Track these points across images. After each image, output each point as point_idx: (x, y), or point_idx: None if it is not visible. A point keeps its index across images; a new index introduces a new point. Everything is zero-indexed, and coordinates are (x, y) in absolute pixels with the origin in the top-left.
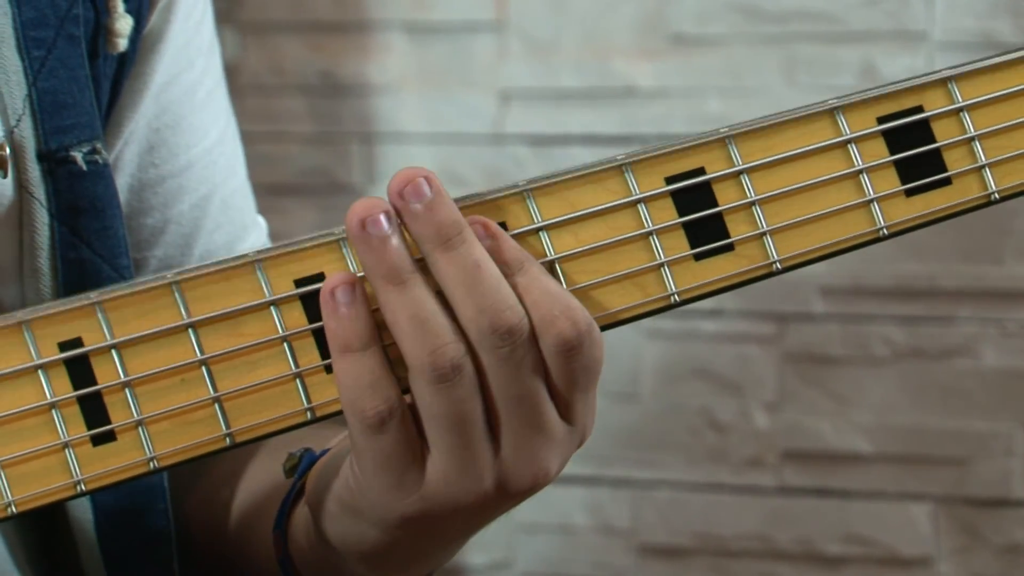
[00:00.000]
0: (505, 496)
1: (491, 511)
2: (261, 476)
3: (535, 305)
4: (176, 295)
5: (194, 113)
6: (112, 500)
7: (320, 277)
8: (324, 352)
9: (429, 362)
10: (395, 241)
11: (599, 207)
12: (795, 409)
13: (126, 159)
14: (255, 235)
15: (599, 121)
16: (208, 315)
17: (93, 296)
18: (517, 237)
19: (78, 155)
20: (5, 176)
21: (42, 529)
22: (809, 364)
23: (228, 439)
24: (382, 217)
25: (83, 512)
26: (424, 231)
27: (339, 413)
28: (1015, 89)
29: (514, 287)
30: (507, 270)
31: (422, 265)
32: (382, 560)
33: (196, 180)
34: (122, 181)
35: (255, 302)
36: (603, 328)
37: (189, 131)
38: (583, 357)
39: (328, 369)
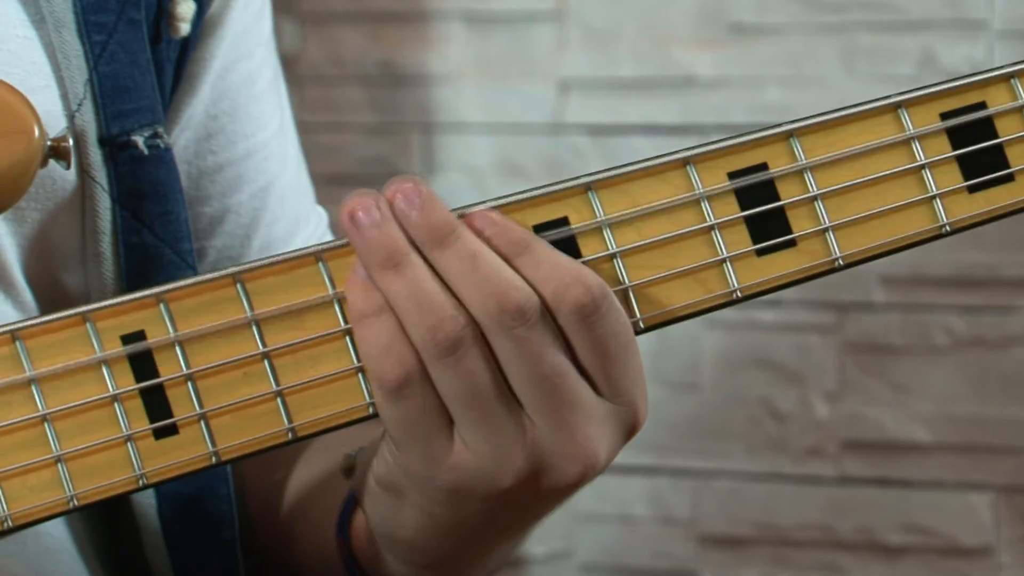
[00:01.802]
0: (553, 483)
1: (539, 498)
2: (317, 466)
3: (545, 280)
4: (239, 288)
5: (253, 102)
6: (175, 485)
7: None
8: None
9: (430, 338)
10: (387, 227)
11: (662, 202)
12: (855, 399)
13: (183, 144)
14: (314, 225)
15: (658, 111)
16: (271, 311)
17: (156, 289)
18: (580, 233)
19: (139, 139)
20: (68, 167)
21: (104, 514)
22: (869, 354)
23: (290, 433)
24: (372, 206)
25: (146, 497)
26: (419, 234)
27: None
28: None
29: (522, 268)
30: (513, 252)
31: None
32: (428, 552)
33: (255, 170)
34: (180, 168)
35: (318, 296)
36: (665, 324)
37: (247, 120)
38: (605, 323)
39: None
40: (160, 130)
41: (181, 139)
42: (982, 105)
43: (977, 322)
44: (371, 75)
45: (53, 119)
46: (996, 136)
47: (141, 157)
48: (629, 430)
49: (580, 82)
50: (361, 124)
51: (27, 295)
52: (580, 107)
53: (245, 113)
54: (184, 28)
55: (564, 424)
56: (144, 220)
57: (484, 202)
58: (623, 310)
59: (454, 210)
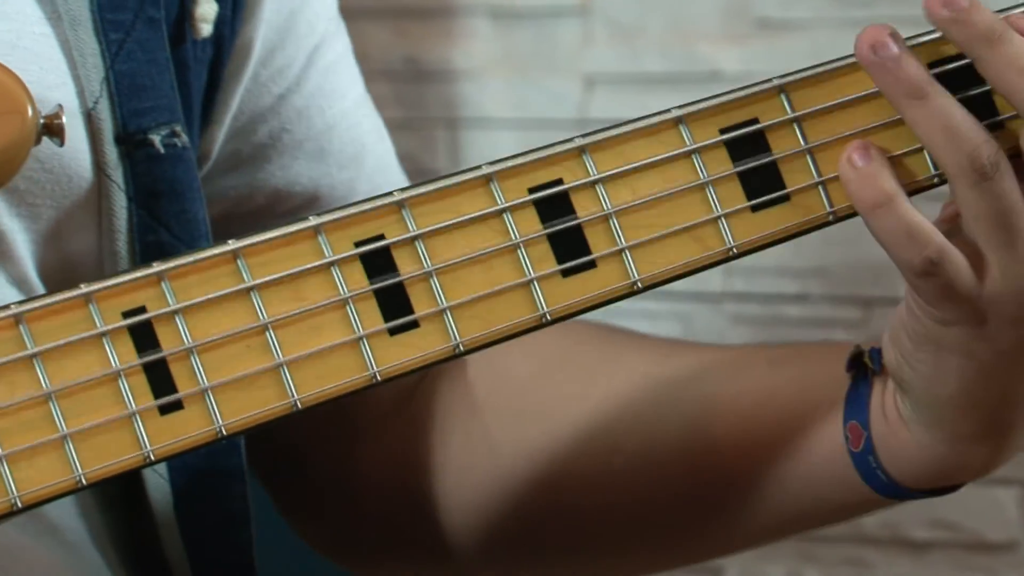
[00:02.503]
0: None
1: None
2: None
3: None
4: (239, 263)
5: (321, 76)
6: (191, 484)
7: (381, 237)
8: (387, 314)
9: (968, 164)
10: (908, 59)
11: (654, 158)
12: None
13: (245, 129)
14: None
15: None
16: (270, 277)
17: (156, 266)
18: (573, 191)
19: (156, 138)
20: (62, 144)
21: (122, 510)
22: None
23: (295, 404)
24: (890, 40)
25: (163, 495)
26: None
27: (406, 375)
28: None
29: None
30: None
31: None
32: (976, 408)
33: (341, 142)
34: (256, 152)
35: (316, 263)
36: (664, 283)
37: (319, 95)
38: None
39: (391, 332)
40: (178, 128)
41: (248, 124)
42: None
43: None
44: (396, 71)
45: (70, 116)
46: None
47: (158, 156)
48: None
49: (605, 77)
50: (387, 120)
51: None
52: (605, 102)
53: (314, 87)
54: (206, 29)
55: None
56: (160, 219)
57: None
58: None
59: None
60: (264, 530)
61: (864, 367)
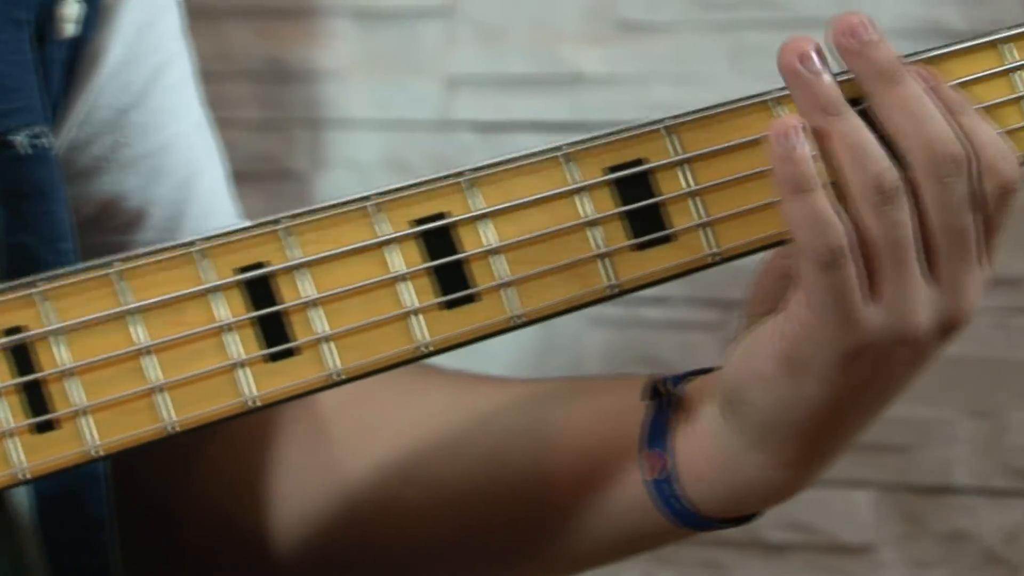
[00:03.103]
0: (940, 335)
1: (920, 356)
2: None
3: (984, 145)
4: (119, 284)
5: (163, 95)
6: (53, 487)
7: (262, 264)
8: (266, 342)
9: (874, 185)
10: (828, 76)
11: (540, 195)
12: None
13: (86, 139)
14: None
15: (547, 108)
16: (150, 300)
17: (37, 286)
18: (457, 225)
19: (19, 139)
20: None
21: None
22: None
23: (172, 428)
24: (814, 54)
25: (25, 499)
26: (870, 68)
27: (283, 402)
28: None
29: (963, 126)
30: (954, 108)
31: None
32: (812, 432)
33: (175, 162)
34: (93, 163)
35: (197, 288)
36: (544, 319)
37: (160, 112)
38: (1009, 208)
39: (270, 359)
40: (43, 130)
41: (83, 133)
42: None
43: None
44: (258, 71)
45: None
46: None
47: (21, 157)
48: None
49: (468, 79)
50: (248, 120)
51: None
52: (468, 104)
53: (155, 105)
54: (69, 29)
55: (960, 279)
56: (25, 220)
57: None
58: None
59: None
60: None
61: (660, 395)
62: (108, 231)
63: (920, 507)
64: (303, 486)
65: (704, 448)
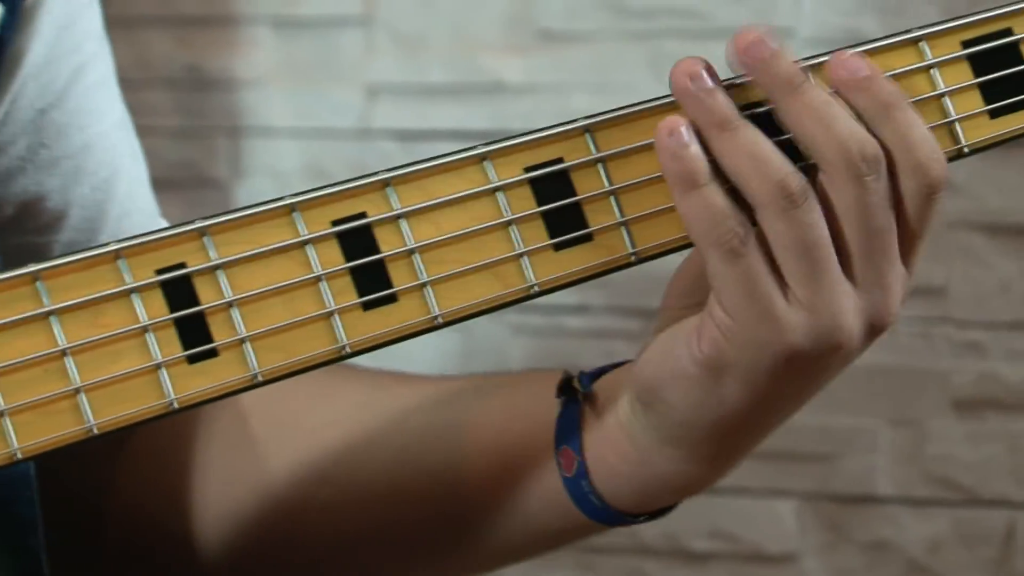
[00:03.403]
0: (866, 337)
1: (847, 359)
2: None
3: (916, 145)
4: (38, 285)
5: (85, 96)
6: None
7: (182, 265)
8: (186, 343)
9: (779, 191)
10: (720, 92)
11: (458, 194)
12: None
13: (14, 141)
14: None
15: (467, 116)
16: (69, 302)
17: None
18: (376, 224)
19: None
20: None
21: None
22: None
23: (92, 430)
24: (704, 72)
25: None
26: (774, 79)
27: (204, 403)
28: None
29: (894, 121)
30: (889, 103)
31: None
32: (727, 433)
33: (96, 162)
34: (12, 164)
35: (117, 289)
36: (465, 319)
37: (81, 113)
38: (937, 204)
39: (190, 360)
40: None
41: (9, 135)
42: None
43: None
44: (178, 79)
45: None
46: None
47: None
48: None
49: (388, 87)
50: (168, 128)
51: None
52: (388, 112)
53: (76, 106)
54: None
55: (884, 279)
56: None
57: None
58: None
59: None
60: None
61: (575, 391)
62: (28, 232)
63: (843, 516)
64: (225, 486)
65: (616, 444)
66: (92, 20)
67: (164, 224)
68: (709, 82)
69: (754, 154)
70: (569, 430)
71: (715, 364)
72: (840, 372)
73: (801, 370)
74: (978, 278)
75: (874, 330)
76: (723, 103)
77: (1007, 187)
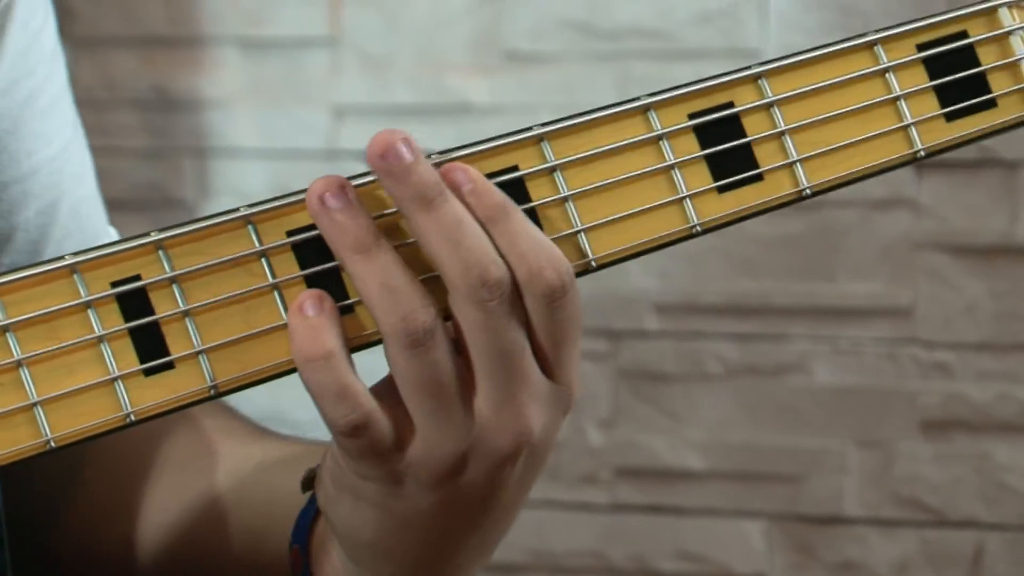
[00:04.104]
0: (489, 455)
1: (487, 480)
2: (193, 497)
3: (522, 257)
4: None
5: (36, 120)
6: None
7: (137, 278)
8: (142, 355)
9: (402, 327)
10: (355, 212)
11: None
12: (629, 426)
13: None
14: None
15: (434, 137)
16: (25, 316)
17: None
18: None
19: None
20: None
21: None
22: (642, 381)
23: (49, 443)
24: (337, 191)
25: None
26: (405, 193)
27: (160, 415)
28: (824, 84)
29: (499, 236)
30: (491, 217)
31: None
32: (393, 553)
33: (41, 187)
34: None
35: (72, 302)
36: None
37: (31, 137)
38: (568, 307)
39: (146, 373)
40: None
41: None
42: (730, 104)
43: (749, 350)
44: (144, 99)
45: None
46: (744, 135)
47: None
48: (565, 409)
49: (355, 108)
50: (134, 148)
51: None
52: (355, 133)
53: (28, 130)
54: None
55: (512, 399)
56: None
57: (435, 153)
58: (579, 294)
59: (428, 157)
60: None
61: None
62: None
63: (811, 537)
64: (168, 504)
65: (329, 556)
66: (47, 41)
67: (114, 235)
68: (344, 201)
69: (384, 283)
70: (302, 529)
71: (345, 486)
72: (499, 491)
73: (425, 495)
74: (945, 299)
75: (510, 451)
76: (358, 224)
77: (972, 208)
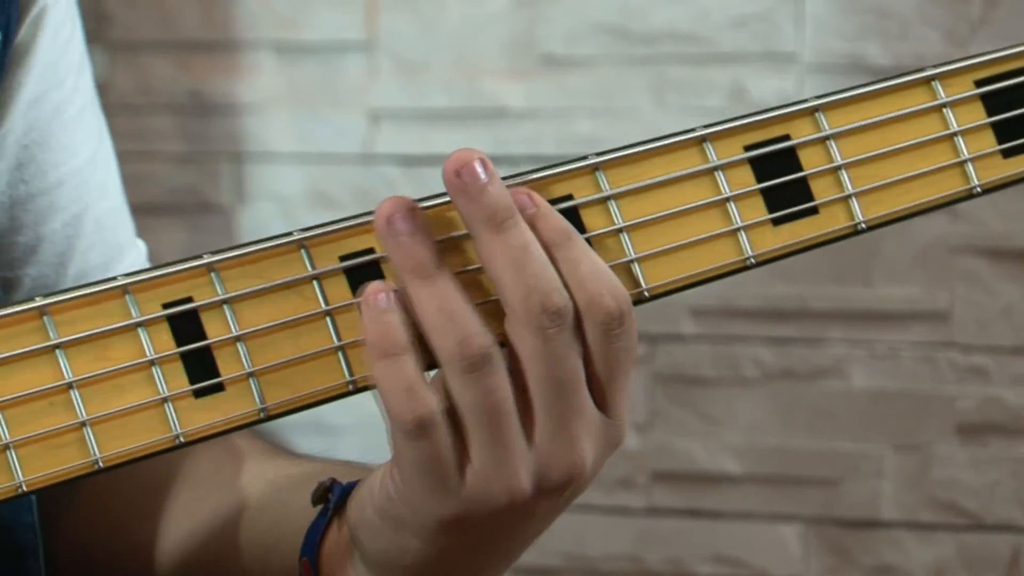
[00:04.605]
0: (542, 493)
1: (530, 514)
2: (208, 514)
3: (582, 284)
4: (45, 320)
5: (64, 131)
6: None
7: (189, 300)
8: (193, 377)
9: (459, 352)
10: (421, 237)
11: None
12: (665, 430)
13: None
14: (132, 256)
15: (469, 141)
16: (76, 336)
17: None
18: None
19: None
20: None
21: None
22: (679, 385)
23: (97, 464)
24: (407, 213)
25: None
26: (476, 212)
27: (209, 438)
28: (881, 118)
29: (560, 262)
30: (552, 243)
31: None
32: None
33: (67, 199)
34: None
35: (124, 323)
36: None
37: (59, 149)
38: (624, 337)
39: (196, 394)
40: None
41: None
42: (786, 137)
43: (786, 354)
44: (180, 104)
45: None
46: (800, 169)
47: None
48: (615, 445)
49: (390, 112)
50: (170, 153)
51: None
52: (390, 137)
53: (56, 142)
54: None
55: (567, 430)
56: None
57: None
58: (635, 325)
59: None
60: None
61: (326, 502)
62: (2, 265)
63: (848, 541)
64: (182, 517)
65: (345, 570)
66: (75, 52)
67: (141, 247)
68: (411, 225)
69: (442, 308)
70: (311, 542)
71: (393, 519)
72: (542, 522)
73: (477, 528)
74: (982, 303)
75: (560, 485)
76: (422, 249)
77: (1010, 212)
